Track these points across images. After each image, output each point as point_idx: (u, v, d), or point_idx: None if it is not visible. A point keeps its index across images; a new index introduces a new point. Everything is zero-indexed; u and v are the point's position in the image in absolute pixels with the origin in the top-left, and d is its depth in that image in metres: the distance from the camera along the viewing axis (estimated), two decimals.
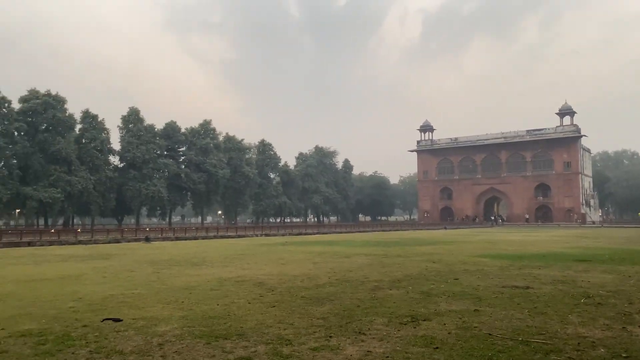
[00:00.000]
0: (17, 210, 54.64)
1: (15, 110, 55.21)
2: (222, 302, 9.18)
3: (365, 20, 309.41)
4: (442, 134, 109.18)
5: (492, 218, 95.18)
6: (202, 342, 6.23)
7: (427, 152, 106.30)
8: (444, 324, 7.19)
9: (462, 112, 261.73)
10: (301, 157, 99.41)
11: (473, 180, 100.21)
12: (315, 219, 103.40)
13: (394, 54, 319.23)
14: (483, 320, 7.44)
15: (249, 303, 9.11)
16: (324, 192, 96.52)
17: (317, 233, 52.60)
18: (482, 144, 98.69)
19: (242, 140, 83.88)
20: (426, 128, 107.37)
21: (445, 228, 68.94)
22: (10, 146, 53.39)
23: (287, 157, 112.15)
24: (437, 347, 5.92)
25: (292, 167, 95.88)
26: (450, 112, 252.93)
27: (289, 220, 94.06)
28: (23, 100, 56.45)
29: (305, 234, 50.99)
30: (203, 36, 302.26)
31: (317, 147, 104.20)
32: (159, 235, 40.20)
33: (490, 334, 6.55)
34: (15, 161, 54.28)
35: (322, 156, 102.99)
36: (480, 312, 8.13)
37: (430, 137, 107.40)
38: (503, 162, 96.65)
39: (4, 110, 53.67)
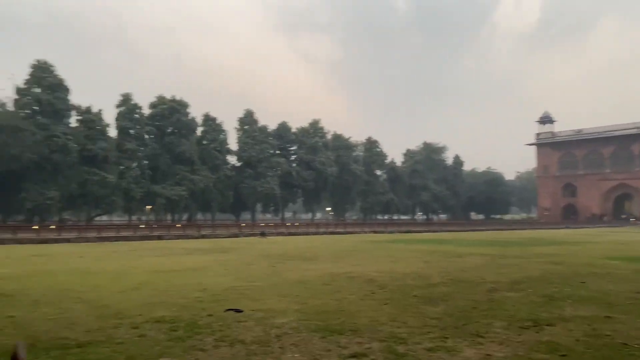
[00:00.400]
0: (148, 207, 60.23)
1: (146, 115, 61.11)
2: (334, 297, 9.35)
3: (476, 8, 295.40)
4: (563, 126, 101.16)
5: (623, 217, 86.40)
6: (318, 335, 6.40)
7: (548, 145, 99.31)
8: (571, 330, 6.69)
9: (586, 102, 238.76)
10: (409, 154, 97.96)
11: (600, 176, 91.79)
12: (424, 217, 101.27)
13: (508, 42, 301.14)
14: (616, 328, 6.80)
15: (361, 299, 9.18)
16: (432, 189, 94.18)
17: (426, 231, 51.58)
18: (610, 135, 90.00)
19: (349, 138, 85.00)
20: (546, 120, 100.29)
21: (568, 227, 64.13)
22: (142, 148, 59.36)
23: (394, 154, 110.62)
24: (564, 355, 5.54)
25: (399, 164, 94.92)
26: (572, 102, 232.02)
27: (396, 218, 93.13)
28: (152, 106, 62.41)
29: (414, 231, 50.24)
30: (311, 36, 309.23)
31: (425, 143, 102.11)
32: (273, 231, 42.10)
33: (626, 344, 5.97)
34: (146, 162, 60.10)
35: (431, 152, 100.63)
36: (613, 319, 7.45)
37: (551, 130, 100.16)
38: (636, 155, 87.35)
39: (137, 115, 59.66)
